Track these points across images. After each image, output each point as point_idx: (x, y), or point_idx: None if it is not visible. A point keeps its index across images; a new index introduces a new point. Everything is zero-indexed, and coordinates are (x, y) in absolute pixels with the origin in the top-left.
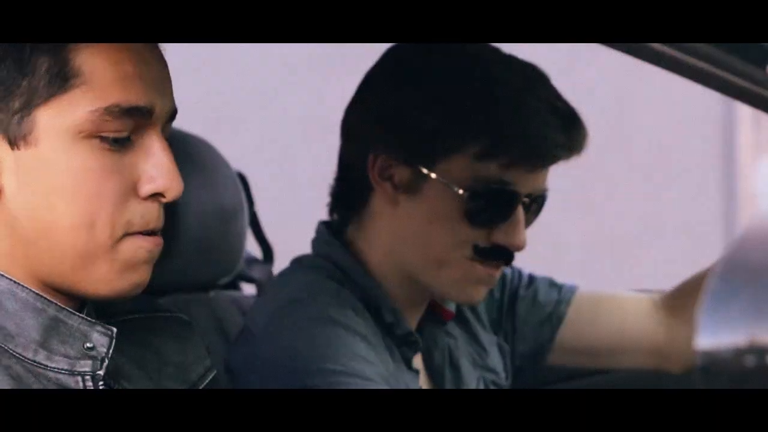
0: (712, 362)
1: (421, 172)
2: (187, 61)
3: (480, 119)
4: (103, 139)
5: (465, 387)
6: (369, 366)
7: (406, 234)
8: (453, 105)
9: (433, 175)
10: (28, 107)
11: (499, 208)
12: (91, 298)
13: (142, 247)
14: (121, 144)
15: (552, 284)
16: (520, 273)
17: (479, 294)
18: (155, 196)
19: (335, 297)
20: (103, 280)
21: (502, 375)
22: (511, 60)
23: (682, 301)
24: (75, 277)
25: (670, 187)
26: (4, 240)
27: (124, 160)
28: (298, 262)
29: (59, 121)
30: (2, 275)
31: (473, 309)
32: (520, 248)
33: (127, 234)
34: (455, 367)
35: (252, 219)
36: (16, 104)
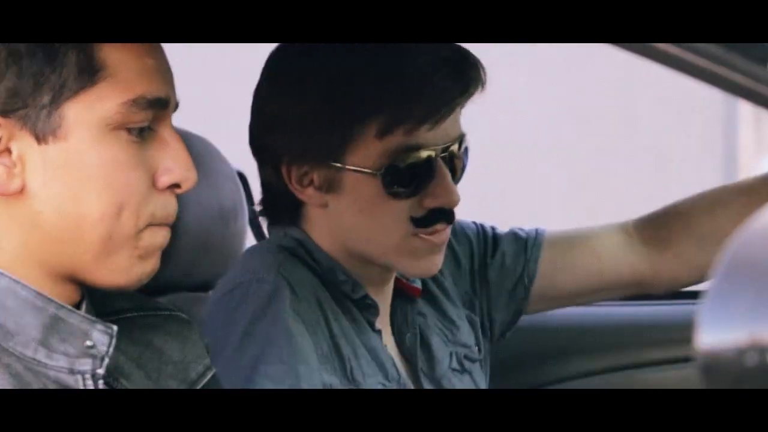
0: (714, 361)
1: (334, 167)
2: (187, 61)
3: (366, 98)
4: (129, 130)
5: (438, 364)
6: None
7: (346, 229)
8: (336, 93)
9: (348, 166)
10: (57, 101)
11: (419, 173)
12: (104, 287)
13: (160, 236)
14: (143, 135)
15: (517, 238)
16: (485, 237)
17: (436, 262)
18: (171, 187)
19: (271, 282)
20: (121, 269)
21: (474, 348)
22: None
23: (659, 227)
24: (94, 267)
25: (671, 186)
26: (18, 235)
27: (144, 152)
28: (271, 240)
29: (89, 114)
30: (2, 274)
31: (440, 285)
32: (454, 204)
33: (151, 225)
34: (427, 346)
35: (252, 218)
36: (45, 98)
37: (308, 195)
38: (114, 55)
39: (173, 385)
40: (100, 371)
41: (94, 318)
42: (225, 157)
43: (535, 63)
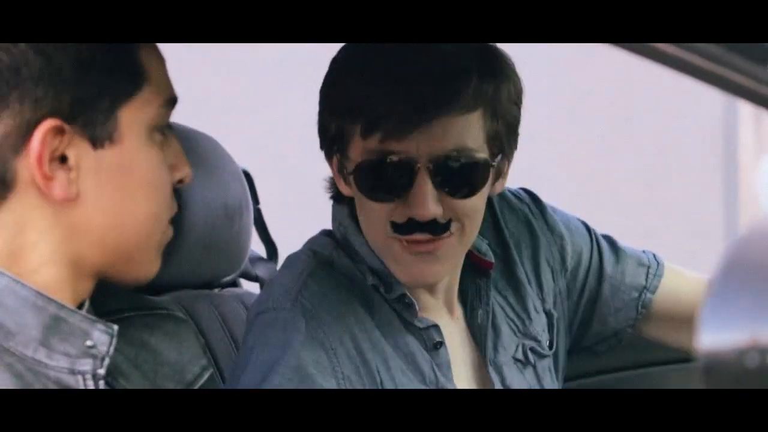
0: (714, 362)
1: (340, 158)
2: (192, 58)
3: (356, 96)
4: (162, 131)
5: (503, 350)
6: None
7: (360, 219)
8: (337, 87)
9: (347, 162)
10: (113, 106)
11: (393, 181)
12: (125, 283)
13: (171, 231)
14: (164, 135)
15: (640, 263)
16: (599, 246)
17: (427, 272)
18: (178, 182)
19: (288, 311)
20: (145, 264)
21: (545, 343)
22: None
23: None
24: (124, 265)
25: (671, 187)
26: (59, 237)
27: (164, 151)
28: (309, 243)
29: (138, 117)
30: (2, 273)
31: (531, 272)
32: (422, 218)
33: (169, 221)
34: (496, 330)
35: (257, 217)
36: (105, 104)
37: (342, 185)
38: (149, 59)
39: (170, 386)
40: (101, 371)
41: (94, 317)
42: (231, 156)
43: (536, 63)
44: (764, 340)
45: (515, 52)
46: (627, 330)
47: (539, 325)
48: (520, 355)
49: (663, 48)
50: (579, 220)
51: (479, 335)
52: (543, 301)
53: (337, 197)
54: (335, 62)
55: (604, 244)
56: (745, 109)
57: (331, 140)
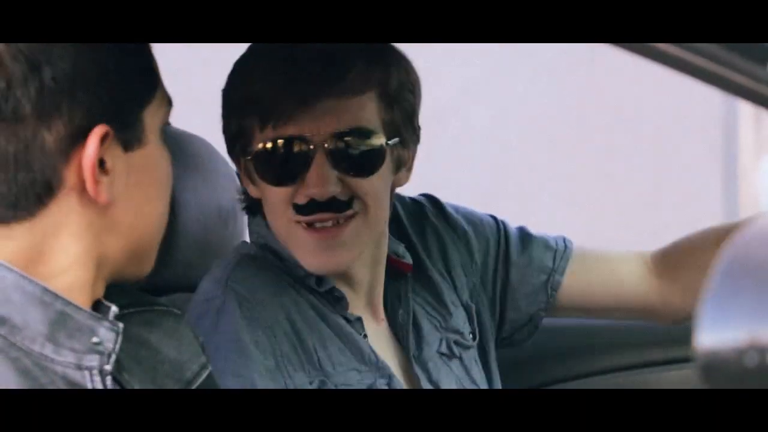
0: (714, 361)
1: (241, 160)
2: (188, 60)
3: (249, 95)
4: (165, 130)
5: (426, 346)
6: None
7: (267, 214)
8: (234, 88)
9: (251, 154)
10: (140, 109)
11: (292, 162)
12: (128, 281)
13: None
14: None
15: (547, 246)
16: (507, 235)
17: (333, 258)
18: None
19: (219, 297)
20: (147, 263)
21: (468, 335)
22: None
23: (671, 261)
24: (135, 264)
25: (671, 187)
26: (89, 240)
27: None
28: (233, 249)
29: (155, 118)
30: (9, 269)
31: (443, 271)
32: (321, 196)
33: None
34: (417, 328)
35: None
36: (135, 107)
37: (250, 187)
38: (155, 60)
39: (169, 384)
40: (108, 367)
41: (100, 315)
42: (224, 158)
43: (536, 63)
44: (763, 339)
45: (516, 52)
46: (540, 314)
47: (459, 318)
48: (444, 349)
49: (663, 48)
50: (488, 214)
51: (402, 334)
52: (459, 296)
53: (250, 207)
54: (232, 66)
55: (512, 232)
56: (745, 109)
57: (234, 140)
